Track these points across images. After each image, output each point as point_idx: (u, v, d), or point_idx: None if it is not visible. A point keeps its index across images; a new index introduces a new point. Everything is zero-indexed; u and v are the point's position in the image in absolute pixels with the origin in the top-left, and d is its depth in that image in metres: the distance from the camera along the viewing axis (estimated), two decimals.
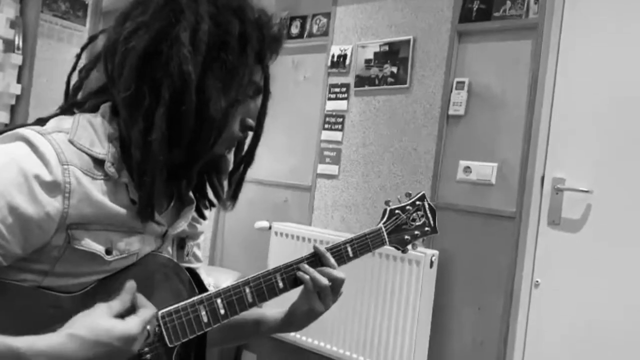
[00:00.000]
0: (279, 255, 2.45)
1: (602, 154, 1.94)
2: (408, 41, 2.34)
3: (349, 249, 1.05)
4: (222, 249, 2.97)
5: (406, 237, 1.14)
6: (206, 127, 0.80)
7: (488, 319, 2.08)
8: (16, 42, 2.33)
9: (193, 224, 1.00)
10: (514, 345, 2.01)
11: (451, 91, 2.21)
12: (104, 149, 0.79)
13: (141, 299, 0.81)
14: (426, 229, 1.16)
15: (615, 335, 1.86)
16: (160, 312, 0.85)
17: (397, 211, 1.14)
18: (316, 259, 1.01)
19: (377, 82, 2.44)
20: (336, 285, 1.00)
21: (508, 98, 2.10)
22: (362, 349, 2.20)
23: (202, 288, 0.93)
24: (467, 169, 2.16)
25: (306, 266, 0.99)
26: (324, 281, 0.98)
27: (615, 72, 1.93)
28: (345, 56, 2.55)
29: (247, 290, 0.93)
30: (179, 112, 0.78)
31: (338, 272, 1.00)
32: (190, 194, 0.95)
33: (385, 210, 1.13)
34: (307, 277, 0.98)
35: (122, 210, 0.80)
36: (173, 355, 0.86)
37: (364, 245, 1.07)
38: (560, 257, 2.00)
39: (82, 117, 0.81)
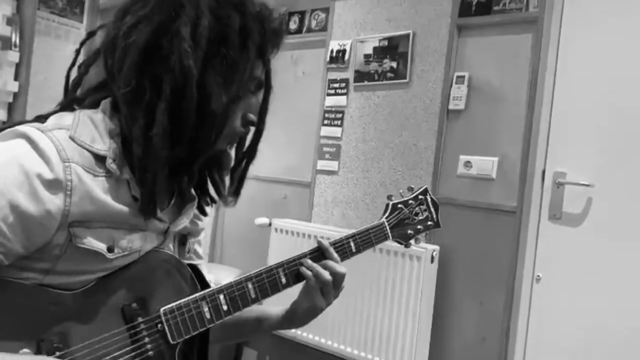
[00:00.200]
0: (279, 251, 2.44)
1: (603, 147, 1.93)
2: (407, 36, 2.33)
3: (352, 243, 1.05)
4: (222, 246, 2.96)
5: (409, 231, 1.13)
6: (207, 122, 0.80)
7: (489, 313, 2.08)
8: (13, 40, 2.32)
9: (194, 220, 0.99)
10: (515, 340, 2.01)
11: (451, 86, 2.20)
12: (105, 146, 0.78)
13: None
14: (429, 223, 1.16)
15: (616, 329, 1.86)
16: (162, 309, 0.84)
17: (399, 206, 1.13)
18: (319, 254, 1.01)
19: (376, 77, 2.43)
20: (338, 280, 1.00)
21: (508, 92, 2.09)
22: (363, 345, 2.20)
23: (204, 284, 0.93)
24: (468, 164, 2.16)
25: (309, 261, 0.98)
26: (327, 276, 0.97)
27: (615, 65, 1.92)
28: (344, 51, 2.54)
29: (250, 286, 0.93)
30: (180, 107, 0.78)
31: (340, 266, 1.00)
32: (192, 190, 0.95)
33: (387, 205, 1.13)
34: (309, 272, 0.98)
35: (124, 208, 0.79)
36: (176, 352, 0.86)
37: (366, 240, 1.07)
38: (561, 251, 1.99)
39: (83, 114, 0.80)
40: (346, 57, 2.53)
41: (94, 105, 0.84)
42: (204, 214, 1.00)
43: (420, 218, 1.15)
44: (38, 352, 0.74)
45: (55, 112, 0.84)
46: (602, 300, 1.90)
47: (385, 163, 2.39)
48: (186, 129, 0.79)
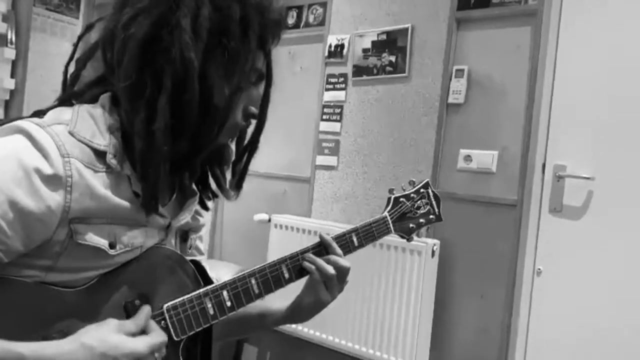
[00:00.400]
0: (278, 247, 2.44)
1: (604, 140, 1.93)
2: (406, 29, 2.32)
3: (354, 238, 1.04)
4: (222, 242, 2.95)
5: (411, 225, 1.13)
6: (210, 115, 0.79)
7: (490, 307, 2.08)
8: (9, 36, 2.30)
9: (195, 216, 0.98)
10: (516, 333, 2.01)
11: (450, 79, 2.19)
12: (105, 141, 0.77)
13: (154, 325, 0.80)
14: (431, 216, 1.15)
15: (617, 323, 1.86)
16: (165, 306, 0.83)
17: (401, 199, 1.13)
18: (321, 249, 1.00)
19: (375, 71, 2.42)
20: (342, 274, 0.99)
21: (508, 85, 2.08)
22: (364, 340, 2.20)
23: (207, 280, 0.92)
24: (468, 158, 2.15)
25: (312, 256, 0.98)
26: (331, 270, 0.97)
27: (615, 57, 1.92)
28: (342, 46, 2.52)
29: (253, 281, 0.92)
30: (181, 100, 0.77)
31: (344, 260, 0.99)
32: (193, 185, 0.94)
33: (389, 199, 1.12)
34: (313, 266, 0.97)
35: (125, 203, 0.78)
36: (180, 349, 0.85)
37: (369, 234, 1.06)
38: (562, 244, 1.99)
39: (82, 108, 0.79)
40: (344, 51, 2.51)
41: (93, 100, 0.83)
42: (206, 208, 0.99)
43: (422, 212, 1.14)
44: None
45: (53, 107, 0.82)
46: (603, 293, 1.90)
47: (384, 158, 2.38)
48: (188, 122, 0.78)
